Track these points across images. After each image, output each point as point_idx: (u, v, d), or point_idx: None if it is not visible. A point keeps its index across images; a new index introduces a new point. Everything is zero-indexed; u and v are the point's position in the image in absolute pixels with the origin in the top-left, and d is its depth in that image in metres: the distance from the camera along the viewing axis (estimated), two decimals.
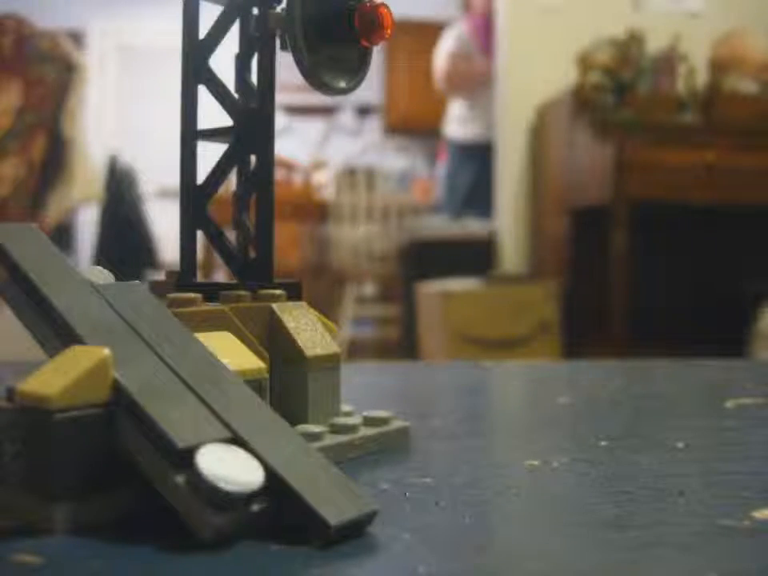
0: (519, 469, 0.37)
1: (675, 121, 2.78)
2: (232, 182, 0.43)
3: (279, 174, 3.42)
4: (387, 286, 3.67)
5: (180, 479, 0.26)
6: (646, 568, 0.24)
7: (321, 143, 4.41)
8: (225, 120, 0.41)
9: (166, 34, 3.97)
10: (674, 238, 2.90)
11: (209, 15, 0.42)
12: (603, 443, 0.42)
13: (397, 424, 0.41)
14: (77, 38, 4.00)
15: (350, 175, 3.64)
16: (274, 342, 0.38)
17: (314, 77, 0.39)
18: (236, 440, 0.28)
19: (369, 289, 3.94)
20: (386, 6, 0.39)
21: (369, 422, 0.40)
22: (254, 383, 0.33)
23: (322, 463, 0.29)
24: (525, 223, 3.36)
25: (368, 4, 0.39)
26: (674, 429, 0.47)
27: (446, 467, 0.37)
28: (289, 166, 3.69)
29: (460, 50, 3.44)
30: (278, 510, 0.27)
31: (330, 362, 0.39)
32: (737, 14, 3.17)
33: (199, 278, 0.42)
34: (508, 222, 3.38)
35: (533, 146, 3.32)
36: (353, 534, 0.27)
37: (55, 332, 0.30)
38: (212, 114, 0.42)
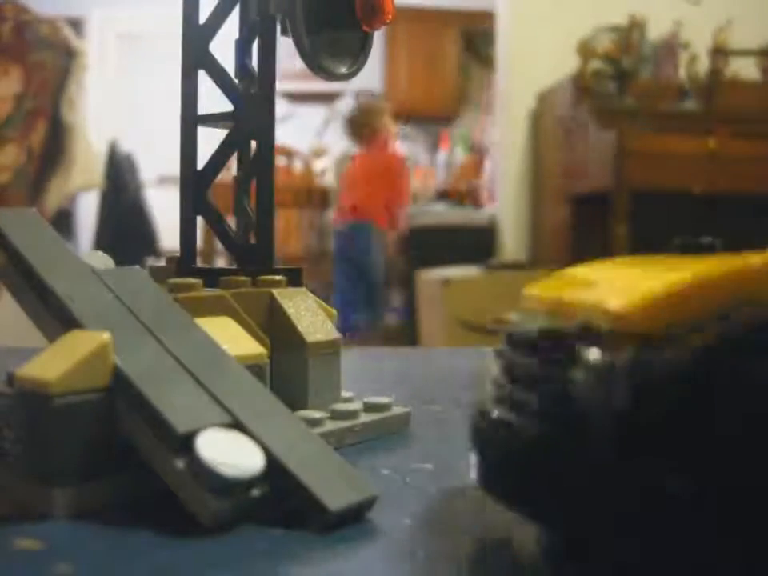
0: None
1: (676, 108, 2.78)
2: (232, 167, 0.43)
3: (280, 161, 3.42)
4: (387, 273, 3.67)
5: (180, 464, 0.26)
6: None
7: (321, 130, 4.40)
8: (225, 105, 0.41)
9: (166, 20, 3.96)
10: (675, 225, 2.90)
11: (209, 0, 0.42)
12: None
13: (397, 410, 0.41)
14: (77, 24, 3.99)
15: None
16: (275, 327, 0.38)
17: (314, 62, 0.39)
18: (236, 425, 0.28)
19: None
20: None
21: (369, 407, 0.40)
22: (255, 368, 0.33)
23: (322, 449, 0.29)
24: (525, 211, 3.36)
25: None
26: None
27: (447, 453, 0.37)
28: (289, 153, 3.68)
29: None
30: (279, 495, 0.27)
31: (331, 348, 0.39)
32: (738, 1, 3.16)
33: (199, 263, 0.42)
34: (508, 209, 3.38)
35: (533, 134, 3.32)
36: (352, 520, 0.27)
37: (55, 317, 0.30)
38: (212, 99, 0.42)
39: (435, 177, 4.46)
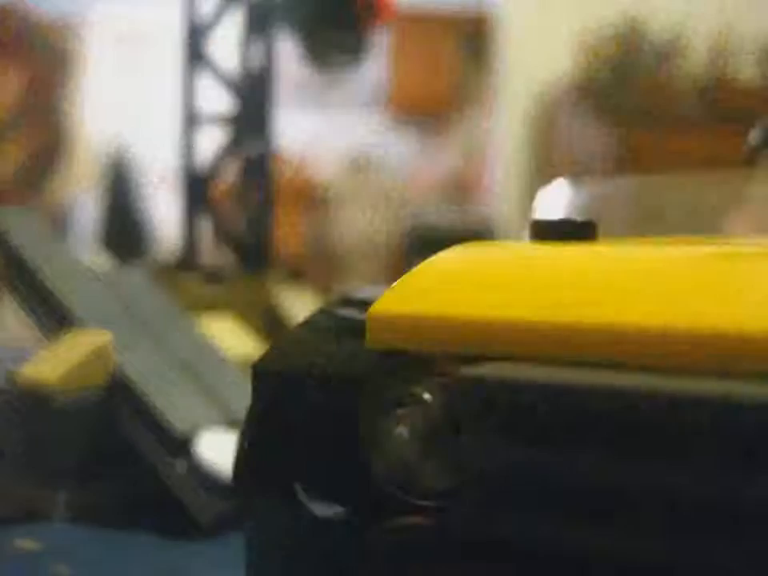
0: None
1: (677, 107, 2.77)
2: (232, 167, 0.43)
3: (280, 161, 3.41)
4: (388, 272, 3.67)
5: (179, 465, 0.26)
6: None
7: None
8: (225, 104, 0.41)
9: (165, 20, 3.96)
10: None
11: (209, 0, 0.42)
12: None
13: None
14: (76, 24, 3.98)
15: (352, 161, 3.63)
16: (274, 326, 0.38)
17: (315, 58, 0.39)
18: (235, 425, 0.28)
19: (370, 274, 3.94)
20: None
21: None
22: None
23: None
24: (525, 211, 3.36)
25: None
26: None
27: None
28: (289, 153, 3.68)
29: None
30: None
31: None
32: (739, 1, 3.16)
33: (199, 263, 0.42)
34: (508, 209, 3.38)
35: (533, 133, 3.32)
36: None
37: (55, 317, 0.30)
38: (212, 98, 0.42)
39: (435, 177, 4.46)
